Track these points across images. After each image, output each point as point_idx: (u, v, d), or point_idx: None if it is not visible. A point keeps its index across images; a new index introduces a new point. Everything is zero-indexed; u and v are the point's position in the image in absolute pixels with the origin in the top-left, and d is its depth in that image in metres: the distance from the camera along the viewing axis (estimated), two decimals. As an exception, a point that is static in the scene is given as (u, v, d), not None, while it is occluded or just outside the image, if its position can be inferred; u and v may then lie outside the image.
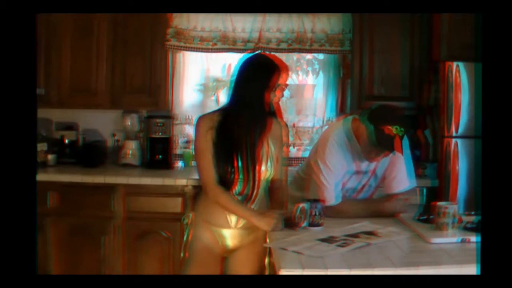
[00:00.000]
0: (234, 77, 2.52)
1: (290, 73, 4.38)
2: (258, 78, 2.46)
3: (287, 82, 2.58)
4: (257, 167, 2.50)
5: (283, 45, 4.16)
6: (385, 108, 2.64)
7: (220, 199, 2.48)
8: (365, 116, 2.57)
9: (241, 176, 2.48)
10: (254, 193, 2.50)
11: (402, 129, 2.50)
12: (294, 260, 1.93)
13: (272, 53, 4.18)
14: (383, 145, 2.50)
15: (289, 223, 2.34)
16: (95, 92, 4.12)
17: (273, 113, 2.64)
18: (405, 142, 2.70)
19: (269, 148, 2.55)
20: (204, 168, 2.49)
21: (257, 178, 2.50)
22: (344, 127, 2.68)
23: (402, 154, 2.55)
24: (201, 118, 2.57)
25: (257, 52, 3.96)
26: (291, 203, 2.56)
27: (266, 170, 2.53)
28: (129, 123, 4.28)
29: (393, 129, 2.48)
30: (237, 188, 2.50)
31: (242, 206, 2.48)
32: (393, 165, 2.70)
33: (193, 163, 4.28)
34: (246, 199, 2.50)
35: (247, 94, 2.47)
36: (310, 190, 2.68)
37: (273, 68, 2.49)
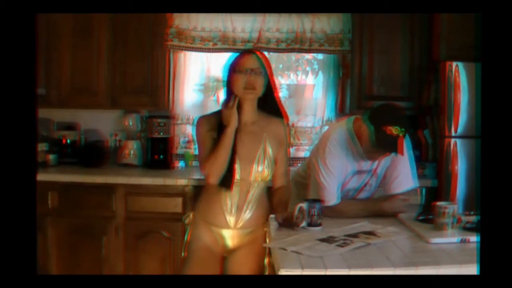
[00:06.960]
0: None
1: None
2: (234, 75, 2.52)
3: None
4: (238, 166, 2.51)
5: (283, 45, 4.16)
6: (386, 108, 2.61)
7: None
8: (366, 115, 2.56)
9: (237, 177, 2.50)
10: (244, 192, 2.53)
11: (403, 129, 2.48)
12: (294, 260, 1.92)
13: (272, 53, 4.20)
14: (384, 146, 2.48)
15: (289, 223, 2.34)
16: (95, 92, 4.13)
17: (276, 112, 2.64)
18: (407, 143, 2.69)
19: (267, 148, 2.55)
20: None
21: (241, 177, 2.51)
22: (347, 126, 2.67)
23: (403, 154, 2.55)
24: (200, 119, 2.61)
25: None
26: (291, 202, 2.56)
27: (263, 171, 2.54)
28: (130, 123, 4.28)
29: (393, 130, 2.46)
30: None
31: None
32: (394, 165, 2.69)
33: (193, 163, 4.29)
34: (239, 197, 2.52)
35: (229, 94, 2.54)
36: (311, 190, 2.67)
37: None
